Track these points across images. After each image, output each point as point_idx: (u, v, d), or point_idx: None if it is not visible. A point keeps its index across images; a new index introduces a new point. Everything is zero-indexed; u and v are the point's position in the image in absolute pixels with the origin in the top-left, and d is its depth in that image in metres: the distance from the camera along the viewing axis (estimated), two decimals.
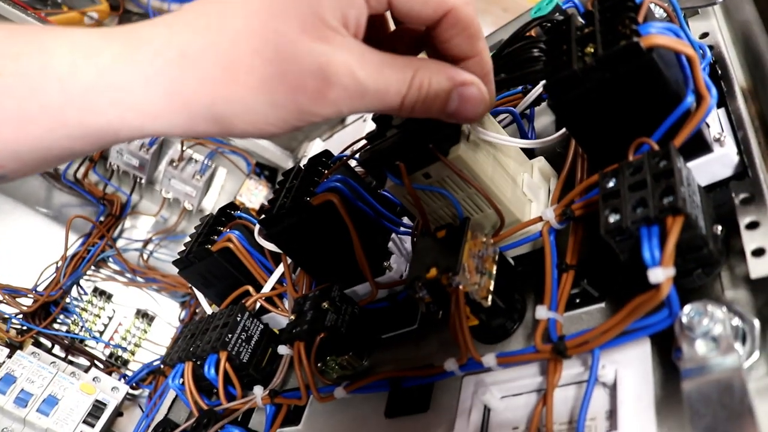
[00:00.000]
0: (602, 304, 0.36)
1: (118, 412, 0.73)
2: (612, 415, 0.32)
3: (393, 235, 0.48)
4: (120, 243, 0.87)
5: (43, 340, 0.76)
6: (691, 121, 0.32)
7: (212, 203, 0.88)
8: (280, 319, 0.55)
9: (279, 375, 0.50)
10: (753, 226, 0.32)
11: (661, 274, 0.28)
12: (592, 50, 0.33)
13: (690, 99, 0.32)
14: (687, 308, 0.29)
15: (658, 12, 0.44)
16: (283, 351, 0.49)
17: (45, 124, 0.30)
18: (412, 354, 0.44)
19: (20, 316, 0.75)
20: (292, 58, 0.29)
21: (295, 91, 0.30)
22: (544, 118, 0.50)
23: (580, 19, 0.36)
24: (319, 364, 0.45)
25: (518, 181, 0.42)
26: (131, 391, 0.75)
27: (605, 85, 0.33)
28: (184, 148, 0.84)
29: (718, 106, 0.39)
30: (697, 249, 0.30)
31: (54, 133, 0.31)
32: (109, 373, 0.75)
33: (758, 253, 0.31)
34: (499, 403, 0.37)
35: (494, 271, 0.37)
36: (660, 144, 0.32)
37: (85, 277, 0.83)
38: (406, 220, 0.49)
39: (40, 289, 0.78)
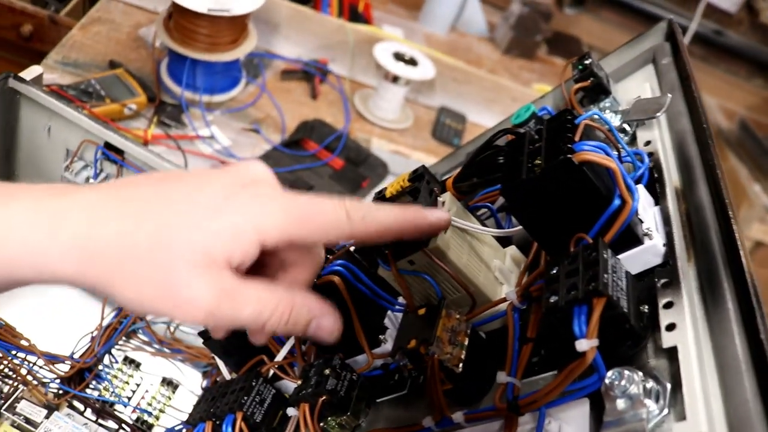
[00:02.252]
0: (555, 372, 0.43)
1: None
2: None
3: (388, 312, 0.56)
4: (149, 316, 0.95)
5: (76, 403, 0.83)
6: (617, 221, 0.40)
7: None
8: (290, 385, 0.62)
9: None
10: (669, 305, 0.39)
11: (585, 344, 0.35)
12: (539, 162, 0.41)
13: (617, 202, 0.40)
14: (609, 373, 0.36)
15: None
16: (292, 413, 0.56)
17: None
18: (401, 415, 0.51)
19: (58, 380, 0.83)
20: (172, 279, 0.35)
21: (173, 301, 0.36)
22: None
23: (535, 135, 0.45)
24: (321, 424, 0.52)
25: (491, 267, 0.50)
26: None
27: (548, 191, 0.41)
28: None
29: (656, 204, 0.47)
30: (621, 325, 0.38)
31: None
32: None
33: (670, 327, 0.38)
34: None
35: (466, 343, 0.45)
36: (594, 239, 0.40)
37: (117, 347, 0.90)
38: (400, 299, 0.56)
39: (76, 356, 0.86)
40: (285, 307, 0.40)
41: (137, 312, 0.38)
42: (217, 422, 0.59)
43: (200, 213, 0.36)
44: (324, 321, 0.42)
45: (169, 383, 0.90)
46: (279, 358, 0.62)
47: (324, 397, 0.51)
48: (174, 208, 0.36)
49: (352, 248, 0.55)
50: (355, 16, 1.77)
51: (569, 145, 0.40)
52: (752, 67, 2.51)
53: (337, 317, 0.43)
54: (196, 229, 0.36)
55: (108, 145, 0.91)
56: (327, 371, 0.52)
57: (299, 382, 0.55)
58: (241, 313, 0.38)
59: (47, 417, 0.78)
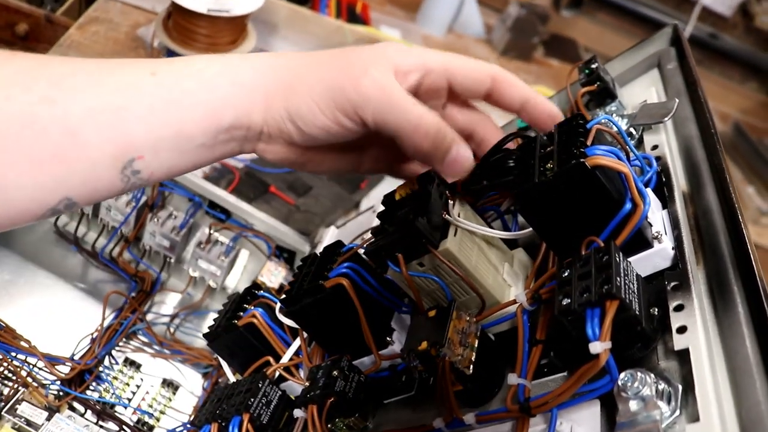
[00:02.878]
0: (565, 373, 0.43)
1: None
2: None
3: (395, 314, 0.56)
4: (149, 317, 0.95)
5: (77, 405, 0.83)
6: (628, 224, 0.40)
7: (235, 282, 0.96)
8: (296, 386, 0.62)
9: None
10: (679, 308, 0.39)
11: (599, 347, 0.35)
12: (551, 166, 0.42)
13: (628, 206, 0.41)
14: (622, 375, 0.37)
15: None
16: (298, 414, 0.56)
17: (179, 108, 0.42)
18: (409, 416, 0.51)
19: (58, 382, 0.82)
20: (347, 61, 0.44)
21: (340, 74, 0.43)
22: None
23: (546, 138, 0.45)
24: (329, 425, 0.53)
25: (500, 270, 0.50)
26: None
27: (560, 195, 0.41)
28: (211, 231, 0.93)
29: (663, 208, 0.47)
30: (633, 327, 0.38)
31: (184, 115, 0.42)
32: None
33: (681, 330, 0.38)
34: None
35: (476, 345, 0.45)
36: (606, 242, 0.40)
37: (117, 348, 0.90)
38: (407, 301, 0.57)
39: (76, 358, 0.86)
40: (434, 120, 0.44)
41: (330, 120, 0.44)
42: (223, 424, 0.59)
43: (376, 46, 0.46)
44: (463, 150, 0.45)
45: (170, 384, 0.90)
46: (285, 359, 0.62)
47: (332, 399, 0.51)
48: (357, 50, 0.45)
49: (360, 250, 0.55)
50: (353, 17, 1.77)
51: (582, 150, 0.40)
52: (746, 71, 2.53)
53: (471, 153, 0.45)
54: (373, 49, 0.44)
55: None
56: (335, 373, 0.52)
57: (305, 383, 0.55)
58: (404, 102, 0.43)
59: (48, 419, 0.77)
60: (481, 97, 0.48)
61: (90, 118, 0.40)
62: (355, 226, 0.85)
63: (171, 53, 1.32)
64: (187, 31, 1.27)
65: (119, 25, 1.47)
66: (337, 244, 0.58)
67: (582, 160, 0.40)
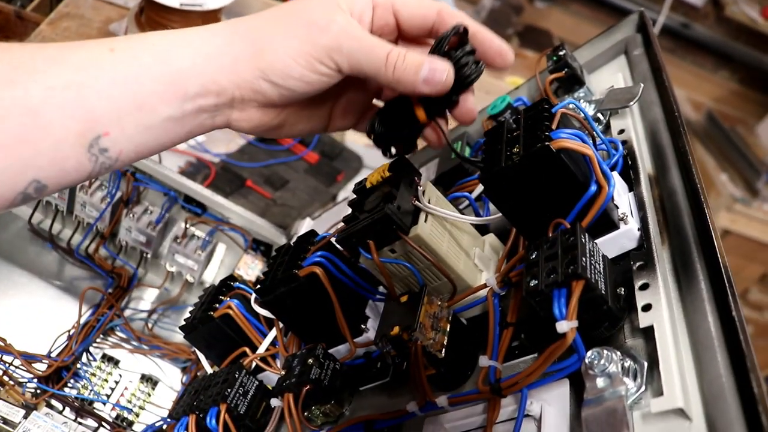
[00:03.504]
0: (536, 355, 0.44)
1: None
2: None
3: (369, 302, 0.56)
4: (127, 313, 0.95)
5: (54, 402, 0.83)
6: (594, 206, 0.41)
7: (212, 276, 0.96)
8: (273, 376, 0.62)
9: (271, 425, 0.57)
10: (644, 287, 0.40)
11: (566, 326, 0.36)
12: (518, 150, 0.42)
13: (593, 188, 0.41)
14: (588, 353, 0.37)
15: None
16: (275, 403, 0.57)
17: (139, 82, 0.42)
18: (385, 402, 0.52)
19: (35, 380, 0.82)
20: (309, 12, 0.44)
21: (308, 25, 0.44)
22: None
23: (513, 124, 0.46)
24: (305, 413, 0.53)
25: (471, 254, 0.51)
26: None
27: (527, 178, 0.42)
28: (188, 225, 0.93)
29: (630, 190, 0.48)
30: (599, 306, 0.39)
31: (144, 88, 0.42)
32: None
33: (646, 308, 0.39)
34: None
35: (447, 329, 0.45)
36: (572, 224, 0.41)
37: (95, 345, 0.90)
38: (381, 288, 0.57)
39: (53, 355, 0.85)
40: (399, 49, 0.44)
41: (291, 67, 0.45)
42: (201, 415, 0.59)
43: None
44: (438, 64, 0.44)
45: (149, 380, 0.90)
46: (261, 349, 0.63)
47: (308, 387, 0.52)
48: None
49: (333, 239, 0.55)
50: None
51: (547, 133, 0.41)
52: (718, 60, 2.56)
53: (448, 66, 0.45)
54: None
55: None
56: (310, 361, 0.53)
57: (282, 373, 0.55)
58: (370, 42, 0.44)
59: (25, 417, 0.77)
60: (428, 32, 0.49)
61: (51, 96, 0.39)
62: (330, 217, 0.85)
63: None
64: (160, 26, 1.26)
65: (91, 20, 1.45)
66: (311, 234, 0.58)
67: (547, 143, 0.40)
